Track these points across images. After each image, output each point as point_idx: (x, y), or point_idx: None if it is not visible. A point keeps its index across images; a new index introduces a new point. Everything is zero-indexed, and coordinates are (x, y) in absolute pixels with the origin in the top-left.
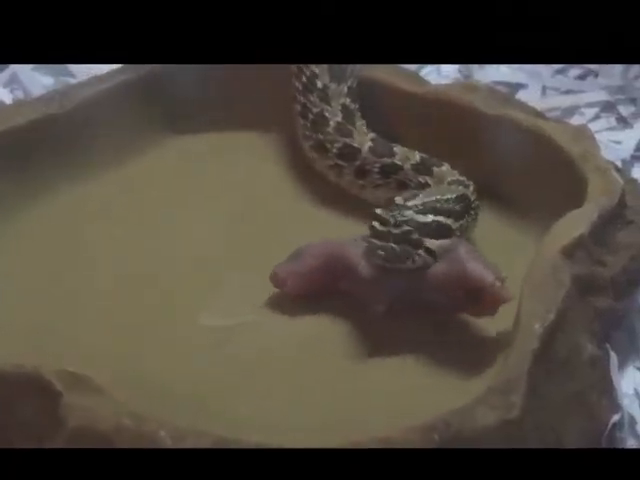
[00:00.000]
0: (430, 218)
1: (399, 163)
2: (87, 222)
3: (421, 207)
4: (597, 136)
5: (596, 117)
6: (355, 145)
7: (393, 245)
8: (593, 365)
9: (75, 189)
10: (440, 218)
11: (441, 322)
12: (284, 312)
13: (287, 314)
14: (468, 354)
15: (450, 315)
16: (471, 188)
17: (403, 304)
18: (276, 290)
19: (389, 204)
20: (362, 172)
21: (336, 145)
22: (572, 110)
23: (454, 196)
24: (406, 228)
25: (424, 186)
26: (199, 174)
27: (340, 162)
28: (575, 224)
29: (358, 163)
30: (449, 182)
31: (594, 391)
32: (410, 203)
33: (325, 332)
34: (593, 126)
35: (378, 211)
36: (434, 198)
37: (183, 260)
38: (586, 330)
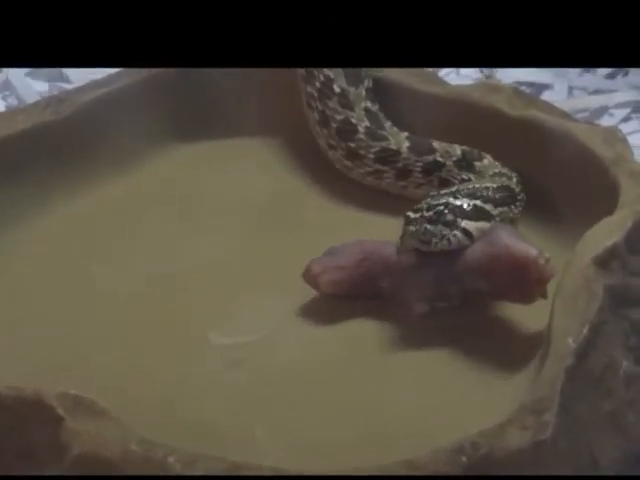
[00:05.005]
0: (465, 202)
1: (441, 160)
2: (88, 237)
3: (455, 193)
4: (629, 138)
5: (627, 118)
6: (393, 147)
7: (427, 225)
8: (629, 382)
9: (74, 201)
10: (477, 202)
11: (476, 323)
12: (302, 326)
13: (305, 328)
14: (502, 365)
15: (494, 305)
16: (514, 179)
17: (443, 300)
18: (292, 303)
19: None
20: (404, 173)
21: (372, 150)
22: (601, 111)
23: (495, 186)
24: (439, 209)
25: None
26: (204, 183)
27: (380, 167)
28: (608, 232)
29: (400, 165)
30: (491, 175)
31: (631, 410)
32: (443, 192)
33: (345, 348)
34: (624, 128)
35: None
36: (470, 187)
37: (194, 275)
38: (621, 345)
